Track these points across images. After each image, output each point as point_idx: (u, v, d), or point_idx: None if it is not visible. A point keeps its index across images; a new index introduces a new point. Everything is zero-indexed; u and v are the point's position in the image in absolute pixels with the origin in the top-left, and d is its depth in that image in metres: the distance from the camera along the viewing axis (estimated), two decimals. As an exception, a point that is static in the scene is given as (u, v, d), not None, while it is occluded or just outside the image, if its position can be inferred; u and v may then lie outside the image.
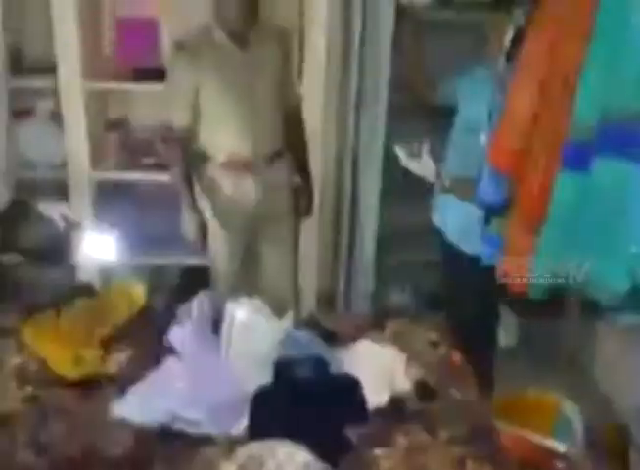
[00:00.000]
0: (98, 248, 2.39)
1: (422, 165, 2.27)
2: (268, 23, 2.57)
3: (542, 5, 1.63)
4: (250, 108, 2.40)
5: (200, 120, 2.45)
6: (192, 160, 2.52)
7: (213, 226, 2.61)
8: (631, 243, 1.54)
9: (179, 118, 2.43)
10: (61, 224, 2.33)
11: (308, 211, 2.78)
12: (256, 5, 2.32)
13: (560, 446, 2.04)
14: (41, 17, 2.68)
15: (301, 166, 2.70)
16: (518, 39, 1.74)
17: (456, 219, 2.37)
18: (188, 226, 2.56)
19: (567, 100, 1.58)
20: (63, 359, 2.01)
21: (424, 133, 2.36)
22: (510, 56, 1.79)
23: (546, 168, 1.64)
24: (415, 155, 2.26)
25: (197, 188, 2.57)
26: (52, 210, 2.34)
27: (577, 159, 1.59)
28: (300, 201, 2.73)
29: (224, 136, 2.44)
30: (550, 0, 1.62)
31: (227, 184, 2.51)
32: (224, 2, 2.26)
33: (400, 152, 2.29)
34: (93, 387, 1.95)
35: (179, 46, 2.36)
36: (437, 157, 2.33)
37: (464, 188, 2.25)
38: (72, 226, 2.33)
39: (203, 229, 2.58)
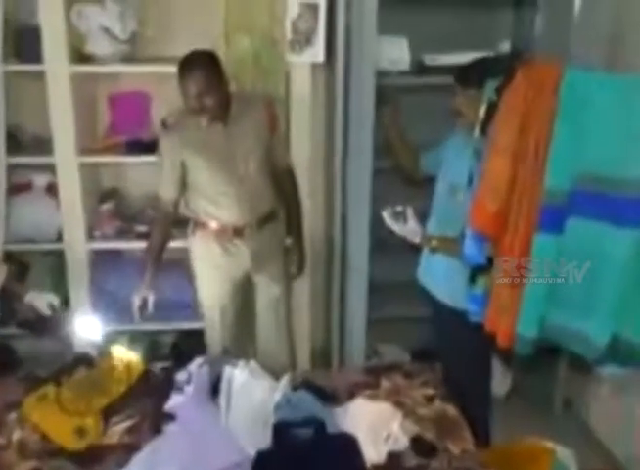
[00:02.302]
0: (86, 329, 2.48)
1: (406, 228, 2.35)
2: (251, 93, 2.68)
3: (512, 82, 1.75)
4: (236, 179, 2.48)
5: (190, 191, 2.54)
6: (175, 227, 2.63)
7: (207, 292, 2.67)
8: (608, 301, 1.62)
9: (167, 191, 2.53)
10: (47, 313, 2.41)
11: (300, 272, 2.85)
12: (220, 90, 2.35)
13: (557, 495, 2.06)
14: (38, 95, 2.78)
15: (294, 228, 2.78)
16: (491, 112, 1.85)
17: (442, 278, 2.44)
18: (135, 298, 2.57)
19: (539, 168, 1.69)
20: (64, 431, 2.04)
21: (408, 195, 2.46)
22: (484, 128, 1.89)
23: (524, 230, 1.74)
24: (399, 218, 2.35)
25: (191, 254, 2.65)
26: (38, 300, 2.42)
27: (552, 221, 1.70)
28: (292, 262, 2.80)
29: (213, 207, 2.53)
30: (519, 78, 1.74)
31: (218, 250, 2.58)
32: (188, 98, 2.31)
33: (386, 215, 2.37)
34: (95, 457, 1.98)
35: (165, 125, 2.47)
36: (421, 219, 2.42)
37: (449, 247, 2.33)
38: (59, 314, 2.40)
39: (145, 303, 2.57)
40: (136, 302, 2.56)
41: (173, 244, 2.75)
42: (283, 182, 2.70)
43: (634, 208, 1.58)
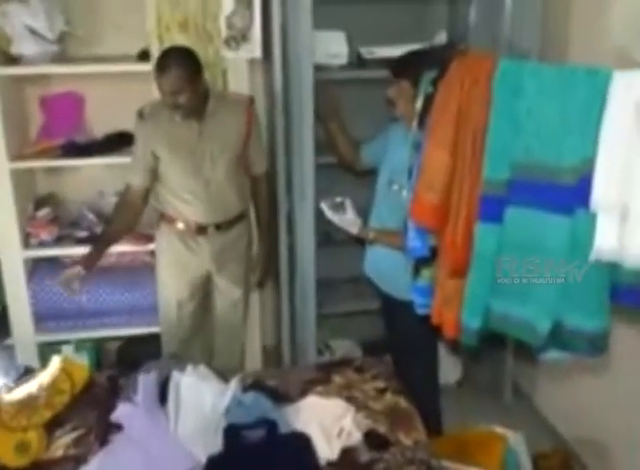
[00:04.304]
0: None
1: (345, 218, 2.36)
2: (233, 93, 2.65)
3: (447, 74, 1.76)
4: (203, 180, 2.45)
5: (159, 184, 2.51)
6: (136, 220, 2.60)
7: (166, 286, 2.63)
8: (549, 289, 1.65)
9: (136, 179, 2.49)
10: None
11: (261, 283, 2.83)
12: (196, 88, 2.32)
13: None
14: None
15: (262, 236, 2.75)
16: (428, 105, 1.85)
17: (385, 270, 2.45)
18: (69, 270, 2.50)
19: (477, 158, 1.70)
20: (5, 448, 1.96)
21: (351, 190, 2.45)
22: (422, 120, 1.90)
23: (465, 222, 1.74)
24: (338, 209, 2.36)
25: (156, 246, 2.64)
26: None
27: (492, 211, 1.71)
28: (255, 270, 2.77)
29: (179, 203, 2.50)
30: (454, 69, 1.74)
31: (181, 246, 2.56)
32: (163, 93, 2.29)
33: (325, 206, 2.37)
34: (39, 473, 1.92)
35: (140, 115, 2.43)
36: (362, 212, 2.42)
37: (387, 238, 2.35)
38: None
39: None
40: (68, 273, 2.47)
41: (126, 248, 2.72)
42: (257, 188, 2.68)
43: (569, 195, 1.60)
